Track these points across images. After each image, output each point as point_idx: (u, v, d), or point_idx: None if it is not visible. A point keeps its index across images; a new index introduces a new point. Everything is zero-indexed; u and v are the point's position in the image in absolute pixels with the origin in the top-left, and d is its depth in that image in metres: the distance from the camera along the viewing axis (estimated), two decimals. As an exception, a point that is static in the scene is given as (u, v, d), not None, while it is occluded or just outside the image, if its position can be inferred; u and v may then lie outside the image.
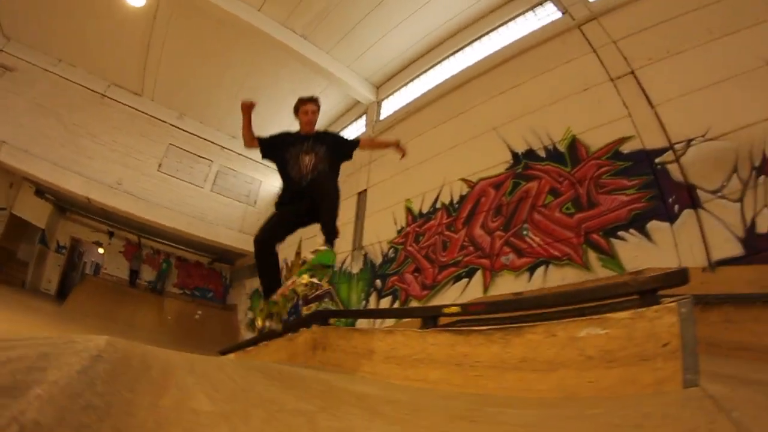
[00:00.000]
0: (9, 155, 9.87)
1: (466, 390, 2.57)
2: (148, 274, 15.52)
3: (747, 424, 1.24)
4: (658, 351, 2.14)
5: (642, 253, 5.17)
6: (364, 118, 10.73)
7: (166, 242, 15.24)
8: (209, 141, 13.09)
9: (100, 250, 15.61)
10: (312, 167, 3.50)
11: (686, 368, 2.04)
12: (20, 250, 12.53)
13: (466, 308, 3.82)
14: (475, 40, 8.60)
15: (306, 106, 3.64)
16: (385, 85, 10.48)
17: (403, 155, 3.93)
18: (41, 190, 12.23)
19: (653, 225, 5.21)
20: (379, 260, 8.13)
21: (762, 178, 4.99)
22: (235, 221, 13.19)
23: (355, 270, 8.55)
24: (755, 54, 5.41)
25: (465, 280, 6.61)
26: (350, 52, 9.87)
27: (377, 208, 8.46)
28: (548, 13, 7.56)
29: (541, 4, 7.66)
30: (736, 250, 4.82)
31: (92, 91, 11.50)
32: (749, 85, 5.34)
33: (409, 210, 7.77)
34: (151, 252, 15.79)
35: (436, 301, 6.79)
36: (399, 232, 7.89)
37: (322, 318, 4.22)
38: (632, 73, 6.02)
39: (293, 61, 9.89)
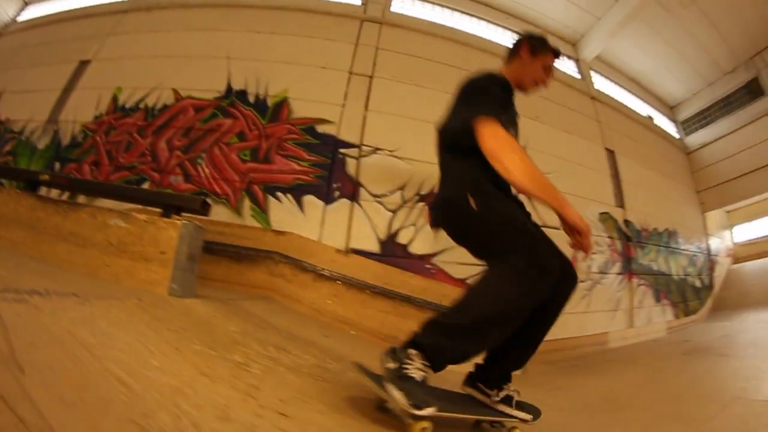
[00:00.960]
0: None
1: (32, 249, 2.92)
2: None
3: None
4: (156, 256, 2.70)
5: (290, 218, 5.42)
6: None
7: None
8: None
9: None
10: None
11: (173, 279, 2.67)
12: None
13: (54, 179, 4.21)
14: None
15: (551, 59, 2.40)
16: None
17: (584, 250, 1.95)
18: None
19: (310, 199, 5.52)
20: (66, 141, 7.00)
21: (421, 204, 5.71)
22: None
23: (41, 145, 7.21)
24: None
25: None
26: None
27: (89, 86, 7.29)
28: (352, -6, 7.75)
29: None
30: (373, 247, 5.51)
31: None
32: None
33: (114, 99, 6.81)
34: None
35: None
36: (96, 117, 6.85)
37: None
38: (370, 77, 6.49)
39: None
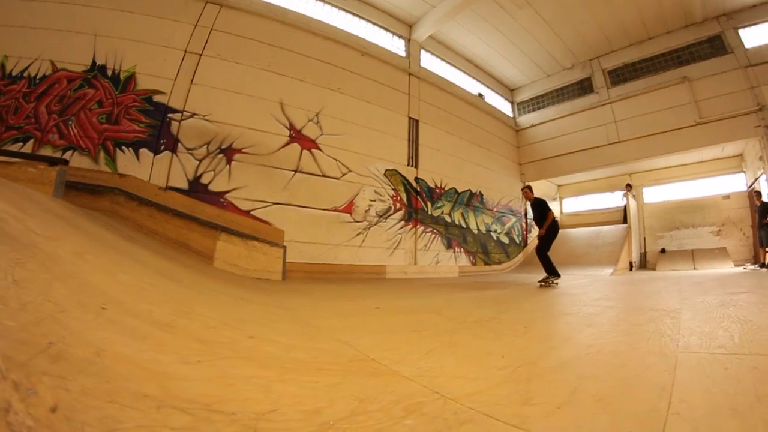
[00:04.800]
0: None
1: None
2: None
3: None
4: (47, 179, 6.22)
5: (130, 165, 8.94)
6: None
7: None
8: None
9: None
10: None
11: (55, 193, 6.13)
12: None
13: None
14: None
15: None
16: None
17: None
18: None
19: (144, 152, 9.10)
20: None
21: (220, 156, 9.58)
22: None
23: None
24: (275, 93, 10.48)
25: (21, 143, 8.96)
26: None
27: None
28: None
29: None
30: (184, 185, 9.21)
31: None
32: (255, 105, 10.27)
33: (2, 67, 9.50)
34: None
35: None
36: None
37: None
38: (200, 54, 9.98)
39: None
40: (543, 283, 9.03)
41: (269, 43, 11.04)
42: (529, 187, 9.85)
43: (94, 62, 9.45)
